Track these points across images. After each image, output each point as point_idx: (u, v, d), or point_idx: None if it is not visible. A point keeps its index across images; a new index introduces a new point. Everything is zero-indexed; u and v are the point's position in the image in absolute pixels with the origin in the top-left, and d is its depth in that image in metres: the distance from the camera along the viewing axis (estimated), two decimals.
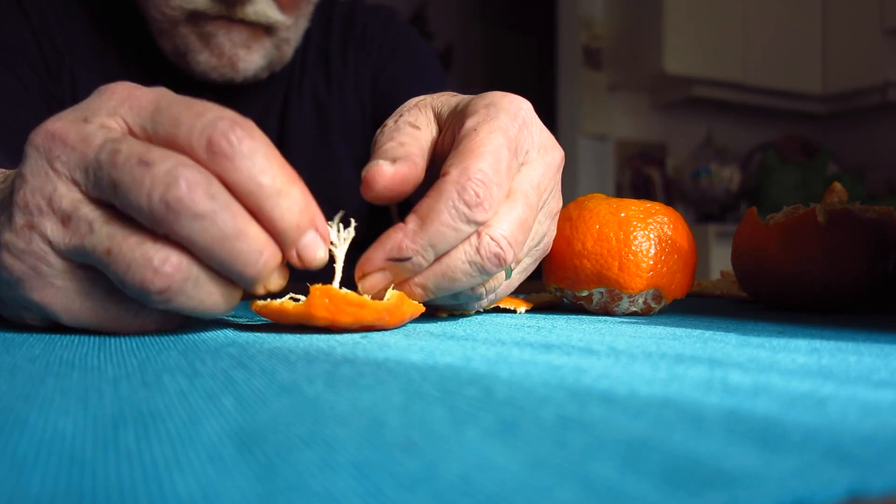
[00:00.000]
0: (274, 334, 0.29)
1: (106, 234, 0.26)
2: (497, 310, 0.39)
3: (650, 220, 0.38)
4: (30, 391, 0.18)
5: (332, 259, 0.30)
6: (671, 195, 3.06)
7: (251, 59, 0.62)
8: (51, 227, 0.26)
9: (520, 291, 0.54)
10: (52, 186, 0.26)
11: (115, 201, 0.26)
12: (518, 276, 0.38)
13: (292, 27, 0.63)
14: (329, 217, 0.30)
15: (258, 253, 0.26)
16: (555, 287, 0.40)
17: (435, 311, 0.36)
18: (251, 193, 0.26)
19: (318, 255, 0.28)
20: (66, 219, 0.26)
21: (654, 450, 0.13)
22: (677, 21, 2.78)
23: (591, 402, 0.17)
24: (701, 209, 3.04)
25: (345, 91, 0.75)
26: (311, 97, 0.73)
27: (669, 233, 0.38)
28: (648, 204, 0.39)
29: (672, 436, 0.14)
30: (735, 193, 3.01)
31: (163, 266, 0.25)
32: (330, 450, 0.13)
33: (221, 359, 0.23)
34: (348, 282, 0.31)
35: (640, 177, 3.03)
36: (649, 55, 2.82)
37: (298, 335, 0.29)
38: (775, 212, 0.42)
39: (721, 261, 2.54)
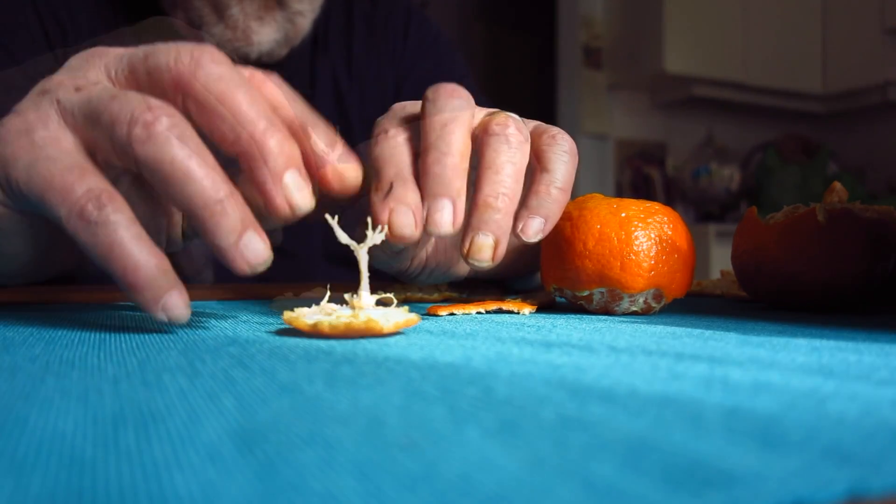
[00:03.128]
0: (274, 334, 0.29)
1: (112, 88, 0.30)
2: (500, 311, 0.39)
3: (650, 220, 0.38)
4: (30, 391, 0.18)
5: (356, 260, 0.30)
6: (671, 195, 3.06)
7: (264, 31, 0.61)
8: (63, 93, 0.30)
9: (518, 292, 0.54)
10: (59, 92, 0.30)
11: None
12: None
13: (306, 0, 0.63)
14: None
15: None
16: (554, 287, 0.40)
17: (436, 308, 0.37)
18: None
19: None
20: (79, 88, 0.30)
21: (654, 449, 0.13)
22: (677, 21, 2.77)
23: (591, 401, 0.17)
24: (701, 209, 3.04)
25: (365, 81, 0.74)
26: (332, 84, 0.73)
27: (669, 232, 0.38)
28: (648, 204, 0.39)
29: (672, 435, 0.14)
30: (735, 193, 3.01)
31: (155, 108, 0.28)
32: (330, 449, 0.13)
33: (221, 358, 0.23)
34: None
35: (640, 176, 3.03)
36: (649, 55, 2.82)
37: (298, 335, 0.29)
38: (775, 211, 0.42)
39: (721, 261, 2.54)
